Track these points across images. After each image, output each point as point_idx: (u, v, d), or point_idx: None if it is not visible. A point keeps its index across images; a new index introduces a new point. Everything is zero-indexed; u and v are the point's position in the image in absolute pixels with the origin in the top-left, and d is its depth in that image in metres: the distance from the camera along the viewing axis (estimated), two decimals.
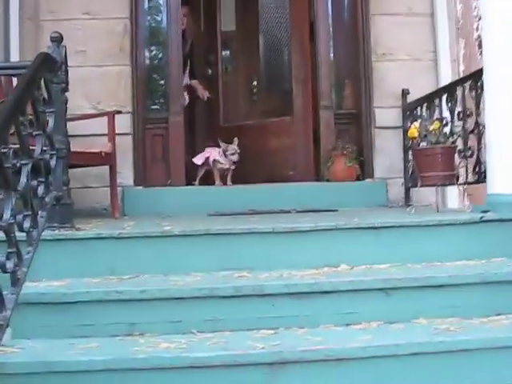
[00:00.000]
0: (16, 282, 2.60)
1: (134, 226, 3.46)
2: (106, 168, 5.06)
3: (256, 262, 3.18)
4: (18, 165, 2.72)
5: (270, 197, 5.22)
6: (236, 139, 5.88)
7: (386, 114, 5.68)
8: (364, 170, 5.80)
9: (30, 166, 2.84)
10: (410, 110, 5.43)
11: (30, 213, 2.80)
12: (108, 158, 4.89)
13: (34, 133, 3.04)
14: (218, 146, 5.91)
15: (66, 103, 3.57)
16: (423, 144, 4.12)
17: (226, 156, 5.80)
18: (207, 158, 5.93)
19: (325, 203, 5.04)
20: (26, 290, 2.81)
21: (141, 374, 2.46)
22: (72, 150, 3.90)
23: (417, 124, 4.24)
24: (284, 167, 6.15)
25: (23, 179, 2.76)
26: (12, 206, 2.56)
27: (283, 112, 6.40)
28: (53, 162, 3.30)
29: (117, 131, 5.08)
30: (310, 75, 6.18)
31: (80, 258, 3.17)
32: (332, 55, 6.21)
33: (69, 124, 4.97)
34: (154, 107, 6.18)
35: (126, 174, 5.47)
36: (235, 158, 5.73)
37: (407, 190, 5.44)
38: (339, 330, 2.80)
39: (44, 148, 3.13)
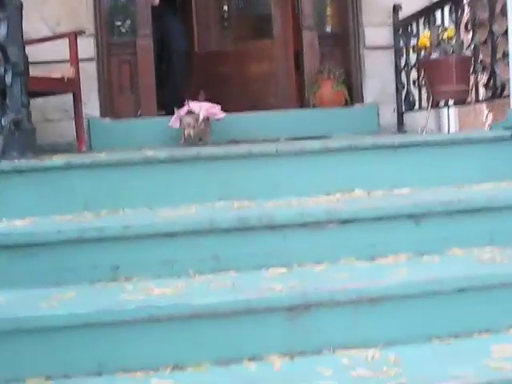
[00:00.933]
0: None
1: (107, 156, 2.92)
2: (69, 99, 4.51)
3: (258, 190, 2.69)
4: None
5: (253, 126, 4.70)
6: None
7: (375, 33, 5.15)
8: (353, 94, 5.31)
9: None
10: (402, 27, 4.91)
11: None
12: (71, 85, 4.34)
13: None
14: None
15: (21, 10, 2.98)
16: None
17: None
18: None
19: (313, 130, 4.57)
20: None
21: (132, 327, 1.99)
22: (31, 75, 3.44)
23: (427, 32, 3.74)
24: (265, 95, 5.63)
25: None
26: None
27: (262, 36, 5.85)
28: (8, 79, 2.77)
29: (80, 56, 4.51)
30: None
31: (46, 192, 2.64)
32: None
33: (27, 49, 4.50)
34: (119, 30, 5.53)
35: (91, 105, 4.90)
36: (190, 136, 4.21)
37: (400, 115, 4.99)
38: (364, 265, 2.35)
39: None
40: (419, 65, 4.12)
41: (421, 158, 2.85)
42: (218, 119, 4.33)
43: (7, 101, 2.84)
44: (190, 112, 4.22)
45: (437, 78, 3.58)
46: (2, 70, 2.69)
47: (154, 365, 1.97)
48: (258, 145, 2.78)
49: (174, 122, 4.32)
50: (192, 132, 4.12)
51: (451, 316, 2.13)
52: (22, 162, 2.71)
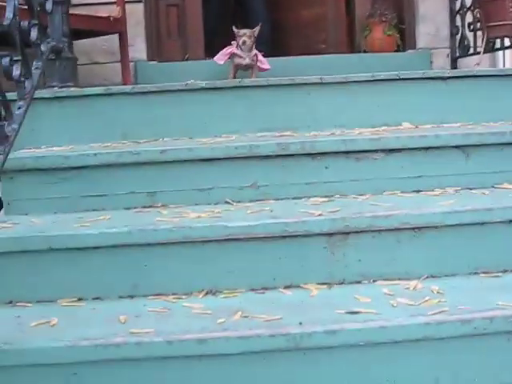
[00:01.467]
0: (3, 141, 2.06)
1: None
2: (116, 42, 4.47)
3: (301, 121, 2.60)
4: None
5: (302, 70, 4.55)
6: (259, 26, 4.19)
7: None
8: (405, 39, 5.12)
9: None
10: None
11: (19, 58, 2.22)
12: (117, 25, 4.28)
13: None
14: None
15: None
16: None
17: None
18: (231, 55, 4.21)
19: None
20: (21, 155, 2.29)
21: (164, 249, 1.93)
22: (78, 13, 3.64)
23: None
24: (315, 39, 5.48)
25: (9, 13, 2.18)
26: None
27: None
28: (48, 5, 2.70)
29: None
30: None
31: (86, 120, 2.60)
32: None
33: None
34: None
35: (138, 47, 4.84)
36: (244, 44, 3.84)
37: (454, 61, 4.78)
38: (409, 196, 2.25)
39: None
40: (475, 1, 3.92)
41: (472, 91, 2.70)
42: (264, 69, 4.04)
43: (48, 29, 2.78)
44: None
45: (491, 12, 3.39)
46: None
47: (186, 289, 1.92)
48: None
49: (219, 57, 4.02)
50: (248, 41, 3.77)
51: (500, 249, 2.02)
52: (63, 90, 2.67)
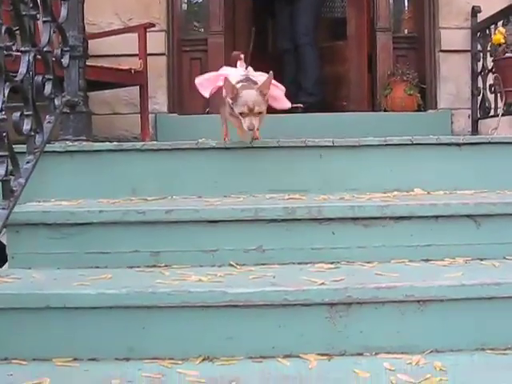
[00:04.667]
0: (9, 195, 2.06)
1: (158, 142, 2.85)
2: (138, 94, 4.51)
3: (311, 184, 2.58)
4: (14, 48, 2.15)
5: (323, 127, 4.56)
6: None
7: (452, 36, 4.95)
8: (426, 99, 5.14)
9: (31, 55, 2.27)
10: (480, 31, 4.71)
11: (30, 112, 2.24)
12: (138, 77, 4.35)
13: (41, 19, 2.47)
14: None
15: None
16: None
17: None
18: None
19: (383, 135, 4.39)
20: (28, 209, 2.29)
21: (163, 313, 1.90)
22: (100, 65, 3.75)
23: (502, 29, 3.54)
24: (337, 96, 5.51)
25: (22, 69, 2.22)
26: (3, 97, 2.01)
27: (336, 37, 5.74)
28: (65, 61, 2.73)
29: (150, 51, 4.55)
30: None
31: (96, 175, 2.61)
32: None
33: (96, 43, 4.54)
34: (191, 26, 5.51)
35: (159, 100, 4.90)
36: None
37: (475, 122, 4.78)
38: (417, 265, 2.20)
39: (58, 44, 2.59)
40: (494, 65, 3.91)
41: (487, 158, 2.66)
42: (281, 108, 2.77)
43: (64, 84, 2.82)
44: (246, 79, 2.58)
45: (510, 76, 3.37)
46: (60, 51, 2.65)
47: (183, 354, 1.88)
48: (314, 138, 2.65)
49: (205, 84, 2.74)
50: (256, 123, 2.43)
51: (508, 325, 1.95)
52: (75, 145, 2.68)
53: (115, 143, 2.66)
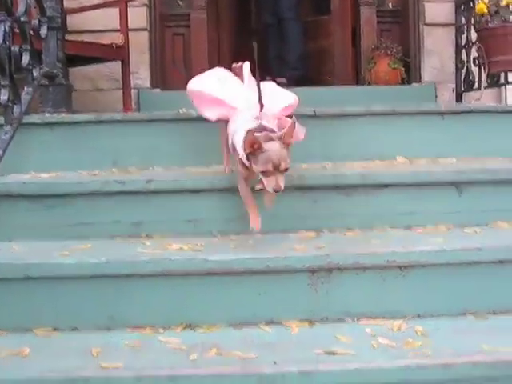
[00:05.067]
0: None
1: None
2: (120, 69, 4.46)
3: (293, 153, 2.55)
4: None
5: (307, 101, 4.52)
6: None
7: (436, 9, 4.93)
8: (410, 73, 5.13)
9: (7, 24, 2.24)
10: (464, 3, 4.67)
11: (7, 83, 2.21)
12: (120, 52, 4.30)
13: None
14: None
15: None
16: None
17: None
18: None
19: None
20: (7, 180, 2.26)
21: (142, 281, 1.89)
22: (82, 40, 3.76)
23: None
24: (321, 71, 5.48)
25: None
26: None
27: (320, 11, 5.70)
28: (43, 31, 2.70)
29: (132, 26, 4.50)
30: None
31: (76, 147, 2.58)
32: None
33: (79, 18, 4.49)
34: (174, 1, 5.44)
35: (142, 75, 4.87)
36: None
37: (459, 96, 4.75)
38: (399, 233, 2.20)
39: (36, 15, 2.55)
40: (477, 35, 3.89)
41: (469, 127, 2.66)
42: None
43: (43, 55, 2.78)
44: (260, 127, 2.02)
45: (493, 47, 3.36)
46: (37, 22, 2.61)
47: (165, 322, 1.88)
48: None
49: (205, 104, 2.33)
50: (282, 184, 1.94)
51: (489, 290, 1.96)
52: (54, 116, 2.65)
53: (95, 115, 2.62)
